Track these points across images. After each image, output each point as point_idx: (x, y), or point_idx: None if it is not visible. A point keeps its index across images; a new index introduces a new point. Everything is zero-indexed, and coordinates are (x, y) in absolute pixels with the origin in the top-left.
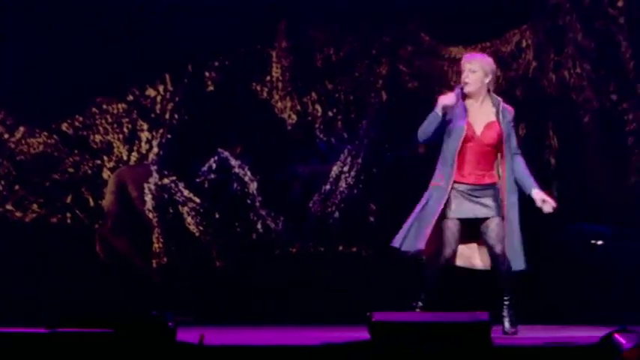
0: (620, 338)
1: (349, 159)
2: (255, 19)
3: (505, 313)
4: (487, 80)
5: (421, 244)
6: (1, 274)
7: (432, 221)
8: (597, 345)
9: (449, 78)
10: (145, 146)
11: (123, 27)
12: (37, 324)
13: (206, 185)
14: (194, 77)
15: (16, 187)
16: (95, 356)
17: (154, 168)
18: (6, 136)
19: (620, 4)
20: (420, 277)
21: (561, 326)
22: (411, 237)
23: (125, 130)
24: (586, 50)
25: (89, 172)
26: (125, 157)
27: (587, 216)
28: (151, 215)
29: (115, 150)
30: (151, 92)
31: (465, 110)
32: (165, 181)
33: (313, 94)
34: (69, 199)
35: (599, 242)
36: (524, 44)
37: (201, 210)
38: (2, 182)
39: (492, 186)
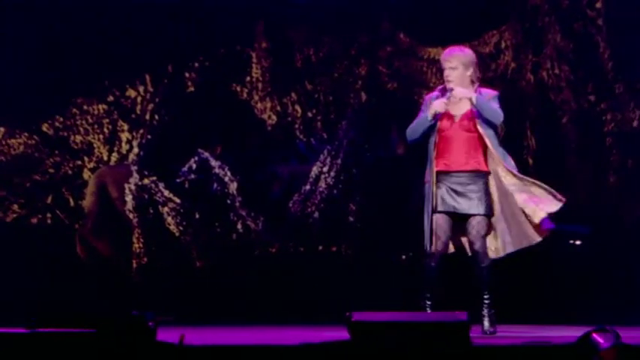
0: (598, 338)
1: (329, 159)
2: (235, 20)
3: (485, 312)
4: (469, 73)
5: (428, 247)
6: None
7: (428, 223)
8: (575, 344)
9: (428, 79)
10: (125, 147)
11: (103, 28)
12: (17, 324)
13: (186, 185)
14: (174, 78)
15: None
16: (76, 356)
17: (134, 168)
18: None
19: (598, 5)
20: (421, 276)
21: (540, 326)
22: (426, 240)
23: (105, 130)
24: (564, 51)
25: (70, 172)
26: (105, 158)
27: (565, 216)
28: (131, 215)
29: (96, 150)
30: (131, 93)
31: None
32: (146, 181)
33: (293, 95)
34: (49, 200)
35: (578, 242)
36: (502, 45)
37: (182, 210)
38: None
39: (478, 173)
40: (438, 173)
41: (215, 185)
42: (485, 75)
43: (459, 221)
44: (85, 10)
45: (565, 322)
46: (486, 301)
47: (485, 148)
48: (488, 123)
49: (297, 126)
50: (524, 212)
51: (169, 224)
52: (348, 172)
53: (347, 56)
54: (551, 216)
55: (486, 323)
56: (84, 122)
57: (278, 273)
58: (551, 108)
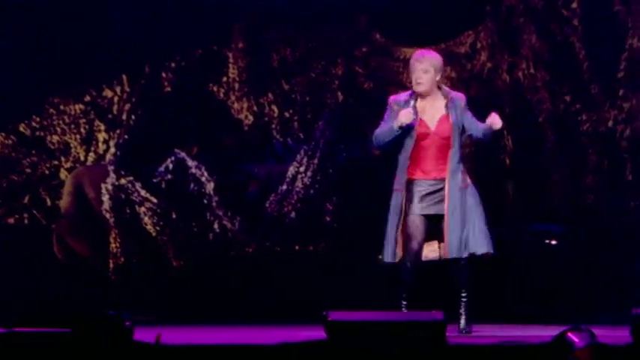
0: (573, 337)
1: (305, 159)
2: (212, 20)
3: (462, 311)
4: (438, 77)
5: (390, 258)
6: None
7: (395, 236)
8: (550, 344)
9: (404, 79)
10: (102, 147)
11: (80, 28)
12: None
13: (163, 185)
14: (151, 78)
15: None
16: (52, 356)
17: (111, 168)
18: None
19: (574, 5)
20: (397, 276)
21: (516, 325)
22: (389, 250)
23: (82, 130)
24: (540, 52)
25: (46, 172)
26: (82, 158)
27: (541, 216)
28: (108, 215)
29: (73, 150)
30: (108, 93)
31: (416, 110)
32: (123, 181)
33: (270, 95)
34: (26, 200)
35: (554, 242)
36: (478, 45)
37: (158, 210)
38: None
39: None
40: (412, 181)
41: (192, 185)
42: (461, 75)
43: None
44: (61, 10)
45: (541, 322)
46: (464, 300)
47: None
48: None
49: (273, 126)
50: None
51: (146, 224)
52: (325, 172)
53: (323, 56)
54: (527, 214)
55: (463, 322)
56: (61, 122)
57: (255, 273)
58: (527, 108)
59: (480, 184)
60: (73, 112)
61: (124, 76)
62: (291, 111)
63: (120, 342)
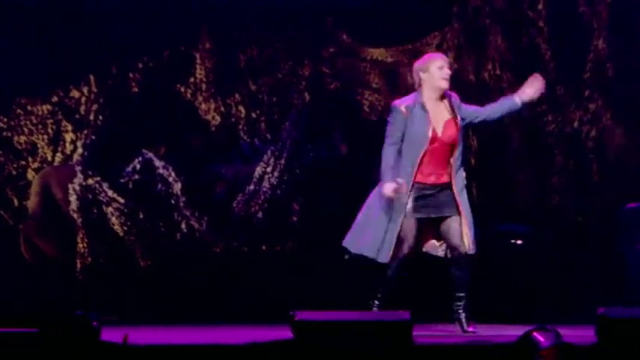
0: (539, 336)
1: (272, 160)
2: (179, 21)
3: (463, 312)
4: None
5: (387, 258)
6: None
7: (394, 237)
8: (516, 343)
9: (370, 79)
10: (69, 147)
11: (47, 28)
12: None
13: (130, 186)
14: (118, 79)
15: None
16: (20, 356)
17: (78, 169)
18: None
19: (539, 7)
20: (378, 275)
21: (482, 325)
22: (384, 250)
23: (50, 131)
24: (506, 53)
25: (13, 172)
26: (50, 158)
27: (507, 216)
28: (75, 215)
29: (40, 151)
30: (75, 93)
31: (426, 112)
32: (90, 181)
33: (237, 96)
34: None
35: (519, 242)
36: (445, 46)
37: (126, 210)
38: None
39: (449, 185)
40: (416, 182)
41: (159, 185)
42: None
43: (430, 227)
44: (28, 10)
45: (506, 321)
46: (465, 301)
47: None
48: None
49: (240, 127)
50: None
51: (113, 224)
52: (292, 173)
53: (290, 57)
54: (493, 214)
55: (465, 322)
56: (28, 123)
57: (222, 273)
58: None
59: None
60: (40, 113)
61: (92, 77)
62: (258, 111)
63: (87, 342)
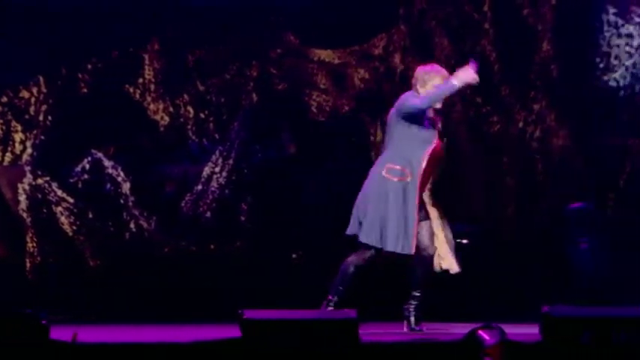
0: (484, 334)
1: (221, 160)
2: (128, 22)
3: (415, 310)
4: None
5: (413, 248)
6: None
7: (415, 220)
8: (461, 341)
9: (318, 80)
10: (18, 147)
11: None
12: None
13: (79, 185)
14: (68, 79)
15: None
16: None
17: (27, 169)
18: None
19: (485, 9)
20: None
21: (430, 323)
22: (403, 238)
23: None
24: (451, 55)
25: None
26: None
27: (453, 215)
28: (25, 215)
29: None
30: (24, 94)
31: (434, 116)
32: (39, 181)
33: (185, 96)
34: None
35: (464, 241)
36: (391, 48)
37: (75, 210)
38: None
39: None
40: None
41: (108, 185)
42: (375, 76)
43: None
44: None
45: (452, 320)
46: (419, 300)
47: None
48: None
49: (189, 127)
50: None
51: (63, 224)
52: (240, 173)
53: (238, 58)
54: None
55: (414, 320)
56: None
57: (171, 271)
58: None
59: None
60: None
61: (41, 78)
62: (206, 112)
63: (36, 341)
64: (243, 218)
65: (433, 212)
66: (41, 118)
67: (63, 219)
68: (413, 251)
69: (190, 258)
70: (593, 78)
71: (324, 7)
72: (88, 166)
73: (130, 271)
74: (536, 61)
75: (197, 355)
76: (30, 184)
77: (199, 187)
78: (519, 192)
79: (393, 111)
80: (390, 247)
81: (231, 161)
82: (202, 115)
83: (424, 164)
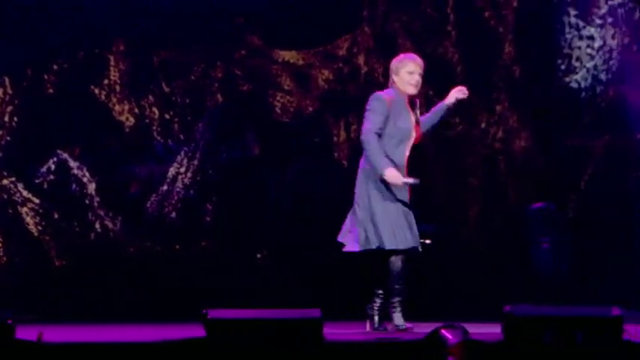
0: (447, 334)
1: (186, 160)
2: (93, 23)
3: (401, 308)
4: None
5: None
6: None
7: (391, 219)
8: (424, 340)
9: (282, 81)
10: None
11: None
12: None
13: (45, 186)
14: (33, 80)
15: None
16: None
17: None
18: None
19: (447, 11)
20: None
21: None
22: (405, 234)
23: None
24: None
25: None
26: None
27: (415, 215)
28: None
29: None
30: None
31: (408, 111)
32: (5, 182)
33: (150, 97)
34: None
35: (427, 241)
36: (355, 49)
37: (41, 210)
38: None
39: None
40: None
41: (74, 186)
42: (339, 77)
43: None
44: None
45: (416, 319)
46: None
47: None
48: None
49: (154, 128)
50: None
51: (28, 224)
52: (205, 173)
53: (203, 59)
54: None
55: (401, 318)
56: None
57: (136, 271)
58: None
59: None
60: None
61: (7, 78)
62: (171, 113)
63: (2, 340)
64: (208, 218)
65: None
66: (7, 119)
67: (28, 219)
68: (413, 244)
69: (155, 258)
70: (554, 80)
71: (287, 8)
72: (53, 167)
73: (95, 271)
74: (498, 63)
75: (162, 355)
76: None
77: (164, 187)
78: (483, 192)
79: None
80: (389, 245)
81: (196, 162)
82: (167, 116)
83: (406, 160)
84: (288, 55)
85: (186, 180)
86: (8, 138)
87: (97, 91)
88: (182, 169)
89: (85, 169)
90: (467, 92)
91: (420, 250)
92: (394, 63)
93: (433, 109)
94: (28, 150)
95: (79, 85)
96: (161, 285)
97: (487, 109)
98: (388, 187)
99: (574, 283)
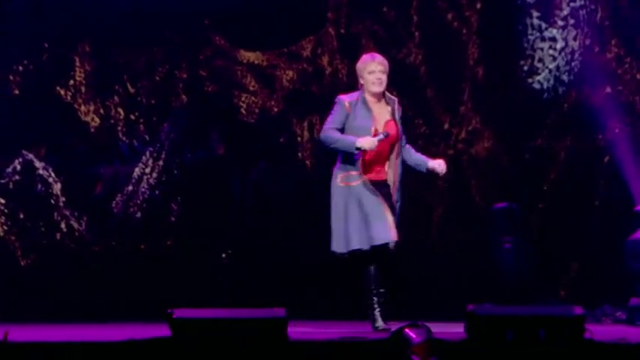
0: (411, 333)
1: (151, 161)
2: (59, 23)
3: (381, 309)
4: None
5: (394, 235)
6: None
7: (385, 211)
8: (388, 339)
9: (247, 82)
10: None
11: None
12: None
13: (11, 186)
14: None
15: None
16: None
17: None
18: None
19: (410, 12)
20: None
21: (357, 322)
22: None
23: None
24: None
25: None
26: None
27: None
28: None
29: None
30: None
31: (369, 110)
32: None
33: (116, 98)
34: None
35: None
36: (319, 51)
37: (6, 210)
38: None
39: (385, 182)
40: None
41: (39, 186)
42: (303, 78)
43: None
44: None
45: (386, 318)
46: (384, 298)
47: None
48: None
49: (119, 128)
50: None
51: None
52: (170, 173)
53: (168, 60)
54: None
55: (381, 319)
56: None
57: (102, 271)
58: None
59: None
60: None
61: None
62: (136, 113)
63: None
64: (173, 218)
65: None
66: None
67: None
68: (393, 239)
69: (121, 257)
70: (517, 81)
71: (252, 9)
72: (19, 167)
73: (60, 271)
74: (461, 64)
75: (127, 354)
76: None
77: (130, 187)
78: (446, 193)
79: None
80: (354, 245)
81: (161, 162)
82: (132, 117)
83: (360, 166)
84: (253, 56)
85: (151, 180)
86: None
87: (62, 91)
88: (147, 170)
89: (50, 170)
90: (444, 170)
91: (369, 249)
92: (357, 65)
93: (420, 156)
94: None
95: (45, 85)
96: (126, 284)
97: (450, 110)
98: (355, 189)
99: (535, 282)
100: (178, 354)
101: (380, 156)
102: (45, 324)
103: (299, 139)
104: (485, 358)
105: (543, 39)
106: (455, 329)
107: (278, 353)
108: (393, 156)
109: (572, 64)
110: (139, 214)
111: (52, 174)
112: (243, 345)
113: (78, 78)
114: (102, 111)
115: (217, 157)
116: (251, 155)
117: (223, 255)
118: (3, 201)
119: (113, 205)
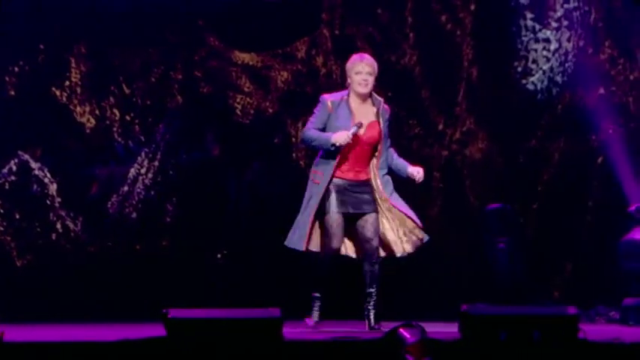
0: (405, 333)
1: (146, 161)
2: (54, 25)
3: (371, 307)
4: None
5: (302, 245)
6: None
7: (308, 221)
8: (383, 339)
9: (242, 83)
10: None
11: None
12: None
13: (6, 187)
14: None
15: None
16: None
17: None
18: None
19: (405, 14)
20: (313, 267)
21: (351, 321)
22: (296, 236)
23: None
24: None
25: None
26: None
27: None
28: None
29: None
30: None
31: (350, 111)
32: None
33: (111, 99)
34: None
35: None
36: (314, 52)
37: (2, 211)
38: None
39: (367, 182)
40: (334, 179)
41: (35, 186)
42: (298, 79)
43: (348, 224)
44: None
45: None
46: (375, 297)
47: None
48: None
49: (115, 129)
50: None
51: None
52: (165, 174)
53: (163, 61)
54: None
55: (373, 318)
56: None
57: (97, 271)
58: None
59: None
60: None
61: None
62: (132, 114)
63: None
64: (168, 219)
65: (384, 203)
66: None
67: None
68: (301, 249)
69: (116, 258)
70: (511, 82)
71: (247, 10)
72: (14, 168)
73: (56, 271)
74: (455, 65)
75: (123, 354)
76: None
77: (125, 188)
78: (441, 193)
79: None
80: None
81: (156, 163)
82: (128, 118)
83: (335, 163)
84: (248, 57)
85: (146, 181)
86: None
87: (58, 92)
88: (143, 170)
89: (46, 170)
90: (422, 178)
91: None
92: (347, 65)
93: (401, 161)
94: None
95: (40, 86)
96: (122, 285)
97: (444, 111)
98: (315, 187)
99: (529, 283)
100: (173, 354)
101: (361, 156)
102: (40, 324)
103: (294, 139)
104: (479, 358)
105: (537, 40)
106: (449, 329)
107: (273, 353)
108: (375, 156)
109: (566, 65)
110: (134, 215)
111: (48, 174)
112: (239, 345)
113: (73, 79)
114: (97, 112)
115: (212, 157)
116: (246, 156)
117: (219, 255)
118: None
119: (109, 206)
